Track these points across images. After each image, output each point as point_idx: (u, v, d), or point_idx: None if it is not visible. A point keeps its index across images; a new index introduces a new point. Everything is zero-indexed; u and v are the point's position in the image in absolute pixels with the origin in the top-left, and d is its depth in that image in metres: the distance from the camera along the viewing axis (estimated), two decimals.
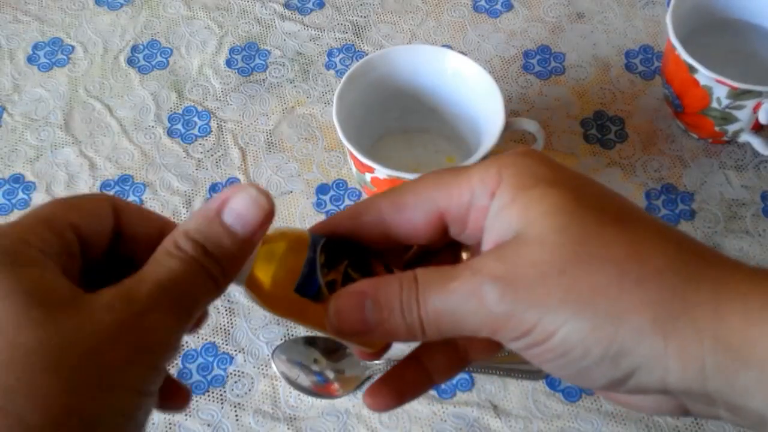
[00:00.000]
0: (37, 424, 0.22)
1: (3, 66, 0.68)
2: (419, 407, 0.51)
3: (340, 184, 0.60)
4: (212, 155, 0.62)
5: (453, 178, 0.30)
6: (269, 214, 0.27)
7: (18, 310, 0.24)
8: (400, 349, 0.53)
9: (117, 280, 0.27)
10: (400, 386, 0.33)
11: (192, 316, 0.26)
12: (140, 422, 0.25)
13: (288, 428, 0.50)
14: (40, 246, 0.26)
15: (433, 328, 0.28)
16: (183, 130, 0.63)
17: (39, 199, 0.60)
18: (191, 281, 0.26)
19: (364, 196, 0.59)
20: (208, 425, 0.50)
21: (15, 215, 0.59)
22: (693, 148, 0.60)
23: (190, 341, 0.53)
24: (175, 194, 0.60)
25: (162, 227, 0.30)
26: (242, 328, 0.54)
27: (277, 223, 0.58)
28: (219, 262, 0.26)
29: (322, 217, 0.58)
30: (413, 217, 0.31)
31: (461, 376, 0.51)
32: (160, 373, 0.26)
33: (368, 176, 0.51)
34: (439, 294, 0.28)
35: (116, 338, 0.24)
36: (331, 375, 0.52)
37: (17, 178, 0.61)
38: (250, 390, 0.52)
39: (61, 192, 0.60)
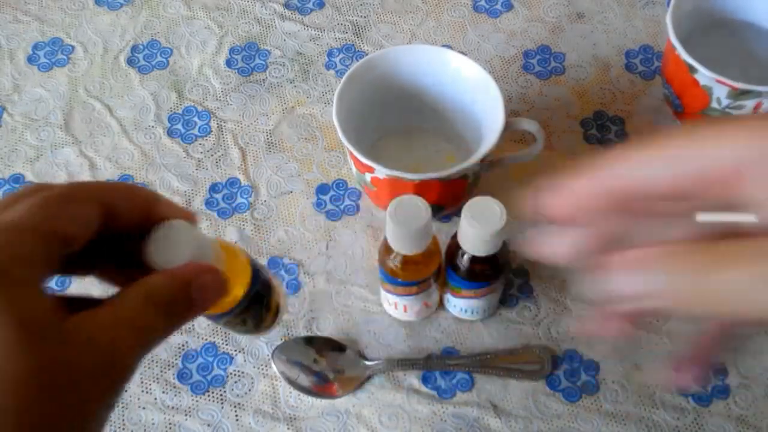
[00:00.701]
0: None
1: (3, 66, 0.68)
2: (419, 407, 0.51)
3: (340, 184, 0.60)
4: (212, 155, 0.62)
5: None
6: (222, 297, 0.32)
7: (6, 336, 0.25)
8: (400, 350, 0.53)
9: (98, 258, 0.30)
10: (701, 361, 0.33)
11: (146, 355, 0.29)
12: None
13: (288, 428, 0.50)
14: (28, 259, 0.27)
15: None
16: (183, 130, 0.63)
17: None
18: (153, 328, 0.29)
19: (364, 196, 0.59)
20: (208, 425, 0.50)
21: None
22: None
23: (191, 341, 0.53)
24: (175, 194, 0.60)
25: (147, 206, 0.31)
26: None
27: (278, 223, 0.58)
28: (173, 318, 0.30)
29: (321, 218, 0.58)
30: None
31: (461, 376, 0.51)
32: (116, 400, 0.28)
33: (368, 176, 0.51)
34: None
35: (93, 375, 0.26)
36: (331, 375, 0.52)
37: (17, 178, 0.61)
38: (250, 390, 0.52)
39: None
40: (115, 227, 0.30)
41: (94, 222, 0.29)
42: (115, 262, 0.32)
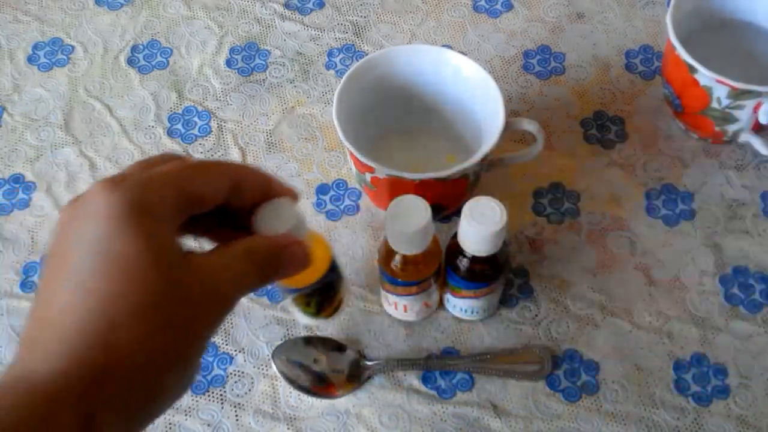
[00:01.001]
0: (131, 353, 0.29)
1: (3, 66, 0.68)
2: (419, 407, 0.51)
3: (340, 184, 0.60)
4: (212, 155, 0.62)
5: None
6: (305, 268, 0.37)
7: (149, 262, 0.30)
8: (400, 350, 0.53)
9: (214, 223, 0.37)
10: None
11: (240, 298, 0.35)
12: (196, 371, 0.34)
13: (288, 428, 0.50)
14: (168, 204, 0.32)
15: None
16: (183, 130, 0.63)
17: (39, 199, 0.60)
18: (248, 279, 0.34)
19: (364, 196, 0.59)
20: (208, 425, 0.50)
21: (15, 215, 0.59)
22: (693, 149, 0.60)
23: None
24: None
25: (265, 185, 0.37)
26: (242, 328, 0.54)
27: None
28: (264, 275, 0.35)
29: (321, 218, 0.58)
30: None
31: (461, 376, 0.51)
32: (210, 338, 0.34)
33: (368, 176, 0.51)
34: None
35: (203, 304, 0.32)
36: (331, 375, 0.52)
37: (17, 178, 0.61)
38: (250, 390, 0.52)
39: (61, 192, 0.60)
40: (237, 200, 0.36)
41: (223, 193, 0.35)
42: (228, 228, 0.38)
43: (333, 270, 0.46)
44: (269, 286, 0.55)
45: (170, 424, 0.51)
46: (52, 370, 0.28)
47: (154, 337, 0.30)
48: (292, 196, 0.38)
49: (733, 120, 0.55)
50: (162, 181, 0.33)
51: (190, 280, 0.32)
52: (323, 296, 0.48)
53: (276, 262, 0.36)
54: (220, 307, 0.33)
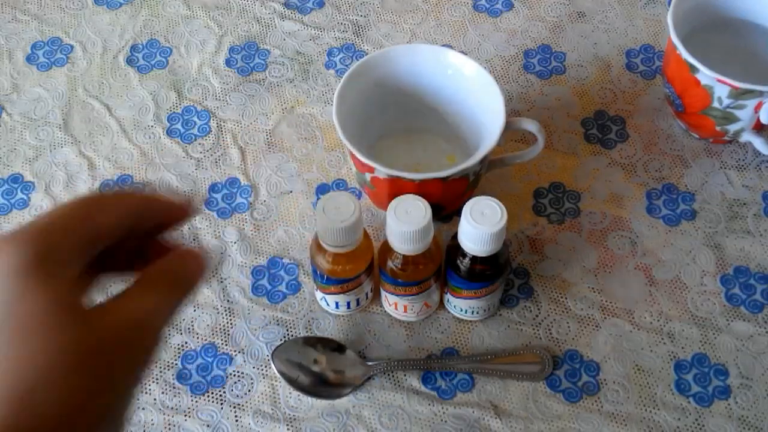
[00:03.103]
0: (56, 414, 0.28)
1: (2, 65, 0.67)
2: (419, 407, 0.50)
3: (340, 184, 0.60)
4: (212, 155, 0.62)
5: None
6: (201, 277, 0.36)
7: (56, 321, 0.29)
8: (401, 350, 0.52)
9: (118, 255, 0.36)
10: None
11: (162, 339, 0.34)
12: (130, 411, 0.33)
13: (288, 429, 0.50)
14: (68, 249, 0.31)
15: None
16: (182, 130, 0.63)
17: (38, 199, 0.60)
18: (170, 306, 0.34)
19: (364, 196, 0.59)
20: (208, 426, 0.50)
21: (14, 215, 0.59)
22: (694, 148, 0.60)
23: (190, 342, 0.53)
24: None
25: (168, 211, 0.36)
26: (242, 329, 0.54)
27: (278, 223, 0.58)
28: (178, 294, 0.34)
29: None
30: None
31: (461, 376, 0.51)
32: (144, 375, 0.33)
33: (368, 176, 0.51)
34: None
35: (120, 353, 0.31)
36: (331, 375, 0.51)
37: (16, 178, 0.61)
38: (249, 391, 0.52)
39: (60, 192, 0.60)
40: (140, 229, 0.35)
41: (125, 224, 0.34)
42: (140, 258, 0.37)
43: (367, 270, 0.49)
44: (268, 288, 0.55)
45: (170, 424, 0.50)
46: None
47: (72, 396, 0.29)
48: (191, 212, 0.37)
49: (734, 119, 0.55)
50: (60, 223, 0.32)
51: (102, 331, 0.31)
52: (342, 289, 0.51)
53: (182, 275, 0.35)
54: (141, 350, 0.32)
